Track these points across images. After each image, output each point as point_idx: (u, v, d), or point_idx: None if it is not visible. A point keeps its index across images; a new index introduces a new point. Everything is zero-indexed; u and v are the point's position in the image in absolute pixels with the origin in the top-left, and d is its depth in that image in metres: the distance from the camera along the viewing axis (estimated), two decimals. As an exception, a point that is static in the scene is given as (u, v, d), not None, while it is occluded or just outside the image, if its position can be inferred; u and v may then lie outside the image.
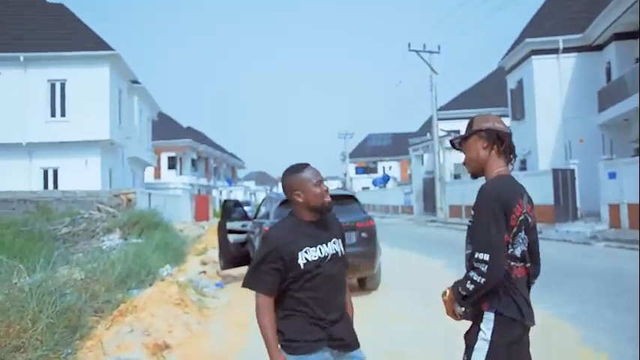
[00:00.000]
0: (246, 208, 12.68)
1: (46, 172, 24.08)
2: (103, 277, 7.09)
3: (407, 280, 9.82)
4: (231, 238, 9.91)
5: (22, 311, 4.57)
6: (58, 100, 24.09)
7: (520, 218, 2.18)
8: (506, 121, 33.63)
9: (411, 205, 39.16)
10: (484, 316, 2.15)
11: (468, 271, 2.15)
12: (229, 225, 9.99)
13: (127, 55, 74.78)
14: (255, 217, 10.09)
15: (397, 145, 64.10)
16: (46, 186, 23.76)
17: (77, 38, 24.44)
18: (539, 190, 18.81)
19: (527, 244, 2.24)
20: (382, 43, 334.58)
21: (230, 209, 10.32)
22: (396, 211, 43.36)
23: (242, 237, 10.00)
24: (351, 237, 7.81)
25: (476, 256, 2.10)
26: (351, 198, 8.72)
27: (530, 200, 2.29)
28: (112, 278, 7.18)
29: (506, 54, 28.88)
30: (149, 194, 24.38)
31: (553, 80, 24.69)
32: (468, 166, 2.37)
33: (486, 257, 2.06)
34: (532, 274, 2.31)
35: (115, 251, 10.58)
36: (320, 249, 2.43)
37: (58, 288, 5.49)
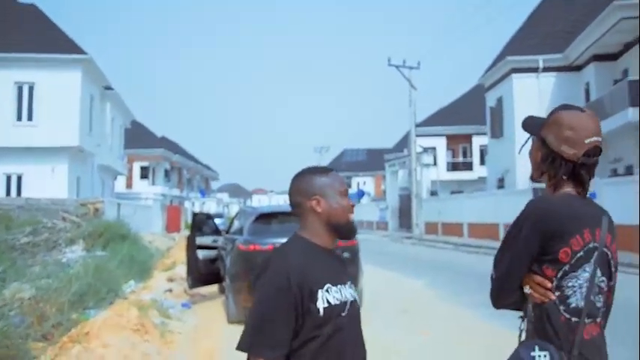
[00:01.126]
0: (218, 220, 12.03)
1: (9, 178, 22.95)
2: (57, 295, 6.39)
3: (389, 302, 9.25)
4: (201, 254, 9.25)
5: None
6: (25, 104, 23.01)
7: (579, 254, 1.63)
8: (485, 140, 34.10)
9: (386, 222, 38.78)
10: None
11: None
12: (199, 240, 9.33)
13: (101, 60, 73.42)
14: (227, 232, 9.46)
15: (372, 161, 64.07)
16: (8, 192, 22.62)
17: (48, 40, 23.51)
18: (519, 210, 18.48)
19: (599, 290, 1.66)
20: (360, 57, 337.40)
21: (200, 223, 9.67)
22: (370, 227, 42.93)
23: (212, 253, 9.34)
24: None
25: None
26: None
27: (611, 231, 1.73)
28: (67, 296, 6.49)
29: (486, 71, 28.86)
30: (118, 204, 23.48)
31: (532, 99, 24.61)
32: (530, 162, 1.84)
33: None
34: None
35: (77, 264, 9.87)
36: (340, 290, 1.67)
37: (-1, 309, 4.82)
